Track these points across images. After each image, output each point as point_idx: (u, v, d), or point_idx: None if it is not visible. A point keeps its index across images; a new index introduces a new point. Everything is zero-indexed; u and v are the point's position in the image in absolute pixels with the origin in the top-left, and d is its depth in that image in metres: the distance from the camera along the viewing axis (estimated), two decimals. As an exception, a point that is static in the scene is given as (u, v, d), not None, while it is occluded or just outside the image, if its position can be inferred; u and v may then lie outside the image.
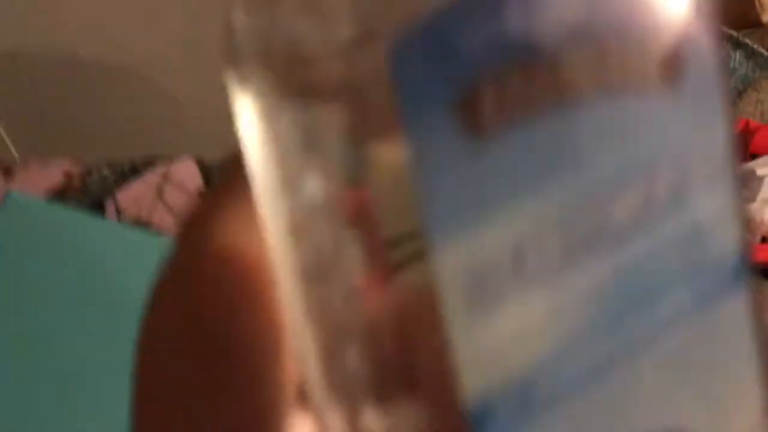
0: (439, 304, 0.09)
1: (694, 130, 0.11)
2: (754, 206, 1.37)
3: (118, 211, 0.67)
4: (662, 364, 0.11)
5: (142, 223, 0.66)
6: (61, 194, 0.68)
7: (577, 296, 0.10)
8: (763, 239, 1.40)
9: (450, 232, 0.09)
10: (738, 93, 1.67)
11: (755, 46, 1.57)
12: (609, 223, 0.11)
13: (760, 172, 1.39)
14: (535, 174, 0.10)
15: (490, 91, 0.09)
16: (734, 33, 1.55)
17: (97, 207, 0.67)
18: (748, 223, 0.12)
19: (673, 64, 0.11)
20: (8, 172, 0.71)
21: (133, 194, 0.68)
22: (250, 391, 0.11)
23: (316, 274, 0.10)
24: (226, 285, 0.12)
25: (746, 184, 1.41)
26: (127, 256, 0.62)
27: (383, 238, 0.10)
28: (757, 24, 1.58)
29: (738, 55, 1.58)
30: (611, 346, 0.11)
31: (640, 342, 0.11)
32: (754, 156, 1.49)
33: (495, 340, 0.10)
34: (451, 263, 0.10)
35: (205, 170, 0.71)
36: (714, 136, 0.12)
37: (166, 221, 0.67)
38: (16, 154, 1.28)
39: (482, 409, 0.10)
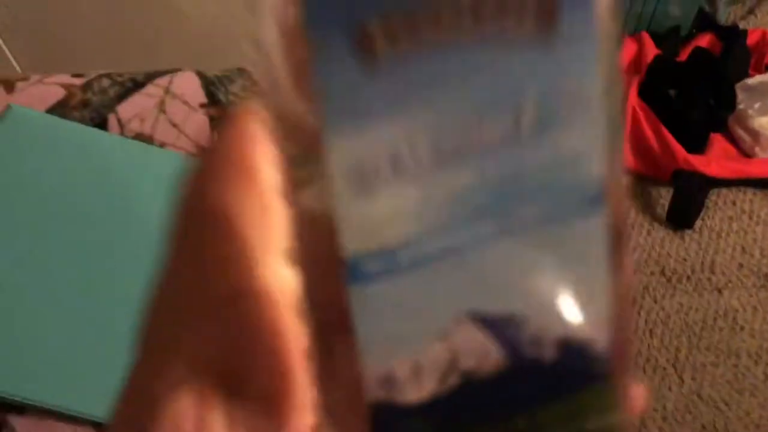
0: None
1: (564, 75, 0.13)
2: (766, 120, 1.35)
3: (120, 125, 0.67)
4: (512, 259, 0.15)
5: (144, 137, 0.66)
6: (62, 108, 0.68)
7: (443, 192, 0.14)
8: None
9: (341, 133, 0.13)
10: (756, 1, 1.62)
11: (775, -48, 1.51)
12: (475, 142, 0.13)
13: (775, 84, 1.37)
14: (413, 96, 0.13)
15: (381, 27, 0.12)
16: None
17: (99, 121, 0.67)
18: (618, 164, 0.15)
19: (547, 17, 0.13)
20: (9, 85, 0.70)
21: (135, 108, 0.68)
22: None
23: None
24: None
25: (760, 97, 1.38)
26: (130, 168, 0.62)
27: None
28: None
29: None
30: (469, 235, 0.14)
31: (496, 235, 0.14)
32: (769, 67, 1.46)
33: (371, 217, 0.14)
34: (341, 157, 0.13)
35: (207, 83, 0.71)
36: (585, 83, 0.14)
37: (169, 134, 0.66)
38: (18, 68, 1.26)
39: (354, 264, 0.14)
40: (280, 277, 0.16)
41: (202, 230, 0.17)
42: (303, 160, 0.14)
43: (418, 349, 0.15)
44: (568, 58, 0.13)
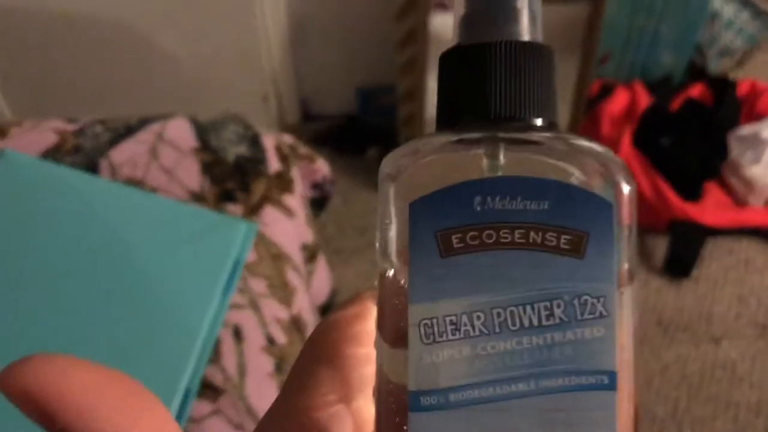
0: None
1: (588, 281, 0.19)
2: (758, 169, 1.36)
3: (112, 170, 0.66)
4: (538, 416, 0.18)
5: (136, 182, 0.66)
6: (55, 153, 0.67)
7: (488, 353, 0.19)
8: (767, 203, 1.40)
9: (420, 300, 0.19)
10: (744, 54, 1.64)
11: (762, 6, 1.54)
12: (517, 321, 0.19)
13: (765, 134, 1.38)
14: (474, 282, 0.19)
15: (456, 235, 0.19)
16: (742, -8, 1.52)
17: (91, 166, 0.67)
18: (631, 350, 0.19)
19: (576, 246, 0.19)
20: (3, 131, 0.70)
21: (127, 153, 0.68)
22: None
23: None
24: None
25: (752, 146, 1.39)
26: (121, 212, 0.61)
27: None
28: (766, -18, 1.55)
29: (745, 15, 1.55)
30: (505, 390, 0.19)
31: (526, 394, 0.19)
32: (760, 118, 1.47)
33: (432, 363, 0.19)
34: (418, 317, 0.19)
35: (199, 129, 0.70)
36: (604, 288, 0.19)
37: (160, 179, 0.66)
38: (9, 114, 1.27)
39: (414, 396, 0.19)
40: (366, 409, 0.21)
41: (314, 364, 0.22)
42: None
43: None
44: (592, 270, 0.19)
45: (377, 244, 0.20)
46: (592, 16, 1.25)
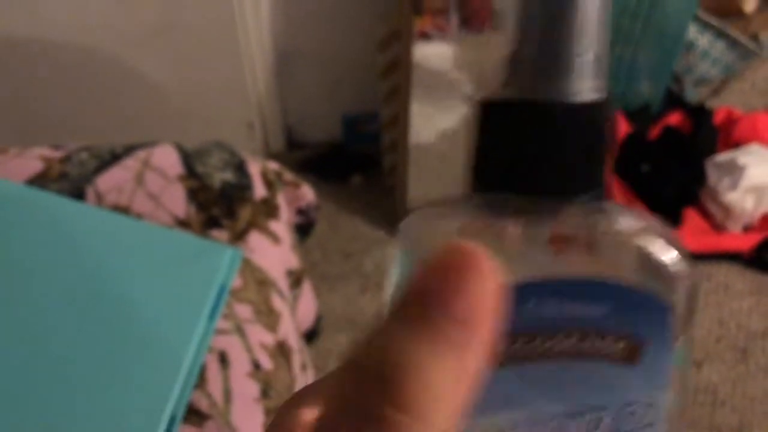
0: None
1: (640, 392, 0.17)
2: (736, 195, 1.38)
3: (98, 197, 0.67)
4: None
5: (122, 209, 0.66)
6: (40, 180, 0.68)
7: None
8: (745, 228, 1.42)
9: (479, 414, 0.16)
10: (721, 83, 1.68)
11: (738, 36, 1.58)
12: None
13: (741, 161, 1.41)
14: (525, 394, 0.17)
15: (505, 340, 0.16)
16: (717, 23, 1.56)
17: (77, 193, 0.67)
18: None
19: (632, 353, 0.17)
20: (-13, 158, 0.70)
21: (113, 180, 0.68)
22: None
23: None
24: None
25: (729, 173, 1.42)
26: (107, 239, 0.62)
27: None
28: (740, 13, 1.59)
29: (721, 45, 1.58)
30: None
31: None
32: (736, 145, 1.50)
33: None
34: (478, 428, 0.16)
35: (185, 156, 0.71)
36: (658, 398, 0.17)
37: (146, 206, 0.66)
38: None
39: None
40: None
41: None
42: None
43: None
44: (643, 378, 0.17)
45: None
46: (572, 46, 1.27)
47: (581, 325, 0.16)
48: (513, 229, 0.17)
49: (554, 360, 0.17)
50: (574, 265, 0.17)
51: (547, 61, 0.16)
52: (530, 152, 0.16)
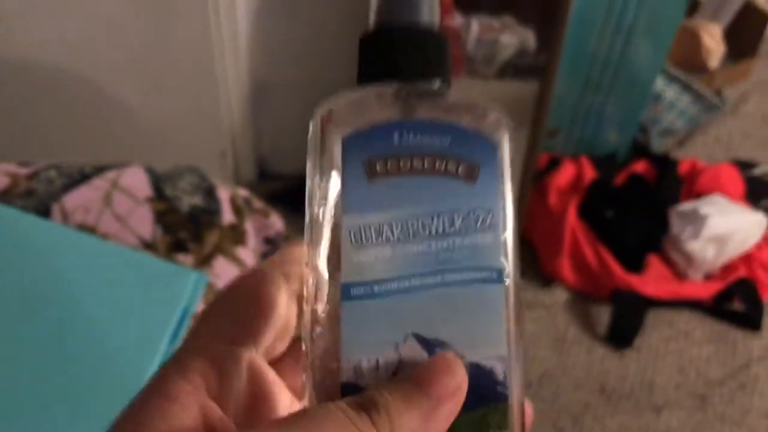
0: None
1: (480, 199, 0.25)
2: (697, 244, 1.41)
3: (64, 215, 0.66)
4: (444, 304, 0.24)
5: (88, 228, 0.66)
6: (5, 196, 0.67)
7: (404, 254, 0.24)
8: (706, 276, 1.45)
9: (351, 213, 0.24)
10: (686, 134, 1.73)
11: (702, 90, 1.63)
12: (426, 230, 0.24)
13: (704, 210, 1.44)
14: (393, 199, 0.24)
15: (379, 162, 0.24)
16: (683, 77, 1.61)
17: (43, 210, 0.66)
18: (512, 252, 0.25)
19: (470, 174, 0.25)
20: (-48, 172, 0.69)
21: (81, 199, 0.68)
22: None
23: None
24: None
25: (691, 222, 1.45)
26: (70, 258, 0.61)
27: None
28: (704, 69, 1.64)
29: (686, 98, 1.64)
30: (418, 283, 0.24)
31: (435, 286, 0.24)
32: (699, 195, 1.54)
33: (359, 261, 0.24)
34: (349, 225, 0.24)
35: (155, 178, 0.71)
36: (494, 207, 0.25)
37: (113, 226, 0.66)
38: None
39: (345, 287, 0.24)
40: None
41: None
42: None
43: (378, 352, 0.23)
44: (482, 192, 0.25)
45: (306, 194, 0.25)
46: (543, 93, 1.30)
47: (432, 152, 0.24)
48: (387, 91, 0.26)
49: (416, 176, 0.24)
50: (426, 114, 0.26)
51: (401, 5, 0.27)
52: (396, 55, 0.26)
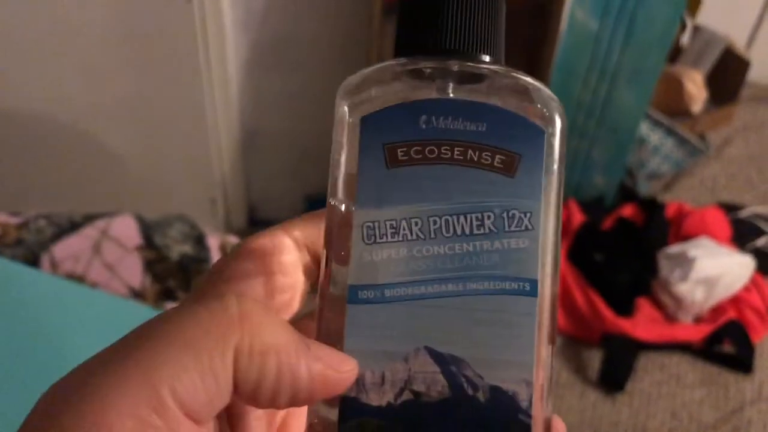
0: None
1: (516, 197, 0.21)
2: (686, 286, 1.42)
3: (53, 264, 0.66)
4: (463, 315, 0.20)
5: (77, 277, 0.66)
6: (-6, 246, 0.67)
7: (422, 256, 0.21)
8: (696, 319, 1.45)
9: (365, 205, 0.21)
10: (672, 178, 1.75)
11: (686, 134, 1.66)
12: (450, 229, 0.21)
13: (691, 253, 1.45)
14: (414, 192, 0.21)
15: (401, 147, 0.21)
16: (667, 121, 1.64)
17: (32, 259, 0.66)
18: (551, 261, 0.21)
19: (511, 165, 0.21)
20: (-58, 222, 0.69)
21: (70, 248, 0.68)
22: None
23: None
24: None
25: (680, 265, 1.46)
26: (58, 307, 0.61)
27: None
28: (688, 113, 1.67)
29: (671, 142, 1.66)
30: (436, 289, 0.20)
31: (454, 294, 0.20)
32: (687, 238, 1.55)
33: (371, 261, 0.21)
34: (362, 219, 0.21)
35: (145, 227, 0.71)
36: (530, 204, 0.21)
37: (102, 275, 0.66)
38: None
39: (353, 289, 0.21)
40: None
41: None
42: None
43: (385, 364, 0.20)
44: (522, 188, 0.21)
45: (329, 181, 0.22)
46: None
47: (465, 139, 0.21)
48: (427, 80, 0.22)
49: (443, 166, 0.21)
50: (461, 93, 0.22)
51: None
52: (437, 21, 0.22)
